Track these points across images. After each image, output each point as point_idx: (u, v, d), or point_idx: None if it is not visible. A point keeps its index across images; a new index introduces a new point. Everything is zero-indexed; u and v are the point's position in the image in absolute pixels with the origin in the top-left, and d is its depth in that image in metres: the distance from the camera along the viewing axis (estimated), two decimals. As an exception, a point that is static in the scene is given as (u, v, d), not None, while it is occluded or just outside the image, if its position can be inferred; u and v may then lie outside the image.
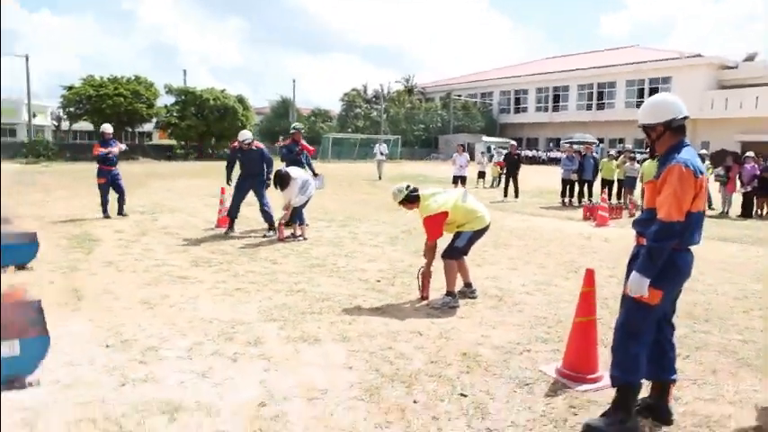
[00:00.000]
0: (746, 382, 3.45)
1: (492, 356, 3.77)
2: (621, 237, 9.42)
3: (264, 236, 8.28)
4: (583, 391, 3.24)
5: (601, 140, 49.31)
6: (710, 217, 12.96)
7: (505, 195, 15.60)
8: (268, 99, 62.13)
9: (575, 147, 15.28)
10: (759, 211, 12.94)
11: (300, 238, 8.05)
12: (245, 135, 8.59)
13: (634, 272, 2.73)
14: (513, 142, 17.37)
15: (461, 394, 3.17)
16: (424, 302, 5.04)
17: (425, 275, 5.12)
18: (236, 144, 8.64)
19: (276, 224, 8.20)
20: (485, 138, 53.19)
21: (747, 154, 13.37)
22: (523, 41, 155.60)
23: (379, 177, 22.02)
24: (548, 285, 5.84)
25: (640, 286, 2.68)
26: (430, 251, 5.01)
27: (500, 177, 20.74)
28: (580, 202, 14.30)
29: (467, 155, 17.22)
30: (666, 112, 2.84)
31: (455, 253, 4.96)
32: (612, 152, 16.60)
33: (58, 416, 2.81)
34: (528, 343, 4.05)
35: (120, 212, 9.90)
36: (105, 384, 3.17)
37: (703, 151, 15.36)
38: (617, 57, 50.48)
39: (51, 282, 5.47)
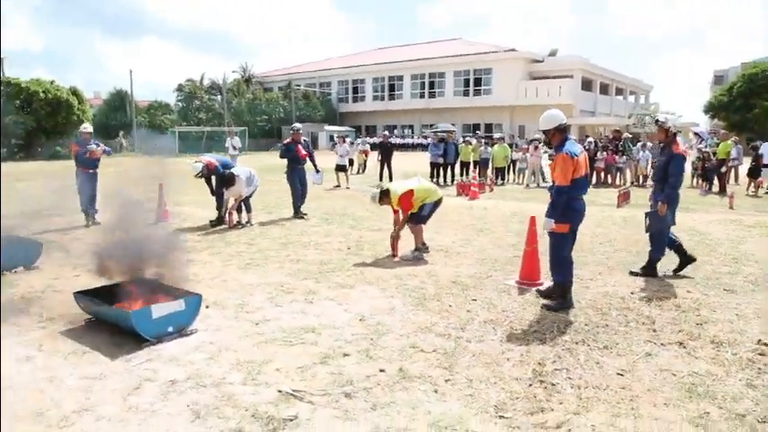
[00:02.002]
0: (616, 277, 5.86)
1: (471, 281, 5.73)
2: (494, 205, 12.03)
3: (211, 224, 9.33)
4: (536, 290, 5.32)
5: (433, 126, 54.21)
6: (545, 188, 16.37)
7: (381, 179, 17.72)
8: (94, 90, 57.93)
9: (439, 134, 17.94)
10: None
11: (248, 224, 9.31)
12: (197, 168, 9.20)
13: (546, 216, 4.83)
14: (386, 132, 19.57)
15: (473, 299, 5.09)
16: (396, 258, 6.83)
17: (395, 239, 6.92)
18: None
19: (225, 215, 9.32)
20: (327, 127, 55.37)
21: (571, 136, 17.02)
22: (351, 30, 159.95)
23: None
24: (469, 241, 7.98)
25: (548, 224, 4.79)
26: (404, 221, 6.80)
27: (365, 164, 22.98)
28: (445, 181, 16.94)
29: (346, 145, 19.09)
30: (556, 121, 4.98)
31: (422, 220, 6.84)
32: (468, 138, 19.52)
33: (238, 342, 4.17)
34: (487, 272, 6.10)
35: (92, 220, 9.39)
36: (243, 326, 4.51)
37: (537, 136, 18.85)
38: (444, 49, 55.48)
39: (78, 275, 6.27)
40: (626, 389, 3.31)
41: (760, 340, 4.02)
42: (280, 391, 3.31)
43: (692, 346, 3.96)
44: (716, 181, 14.59)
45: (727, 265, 6.42)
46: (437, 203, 6.93)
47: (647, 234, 6.00)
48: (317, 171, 10.65)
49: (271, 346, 4.07)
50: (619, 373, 3.52)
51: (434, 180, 16.91)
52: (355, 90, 61.38)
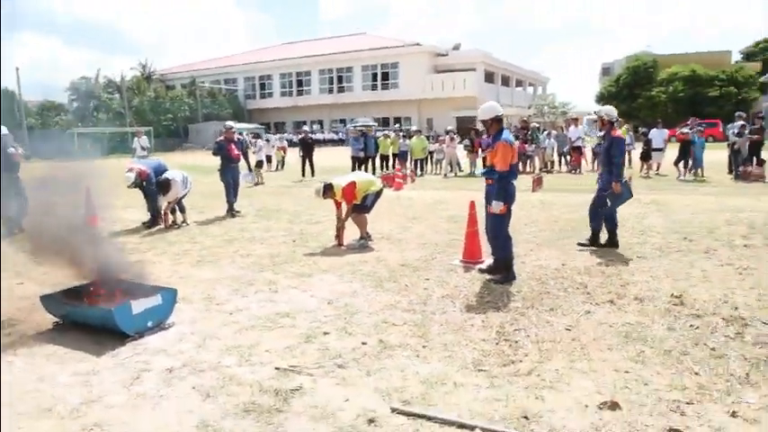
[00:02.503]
0: (546, 252, 6.56)
1: (419, 264, 6.21)
2: (418, 195, 12.64)
3: (145, 226, 9.21)
4: (479, 268, 5.87)
5: (343, 121, 54.62)
6: (462, 177, 17.28)
7: (303, 175, 17.93)
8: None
9: (358, 128, 18.36)
10: (493, 168, 17.74)
11: (184, 224, 9.28)
12: (130, 178, 8.94)
13: (494, 200, 5.38)
14: (306, 128, 19.74)
15: (426, 279, 5.56)
16: (342, 247, 7.18)
17: (341, 229, 7.27)
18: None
19: (162, 214, 9.21)
20: (236, 124, 54.22)
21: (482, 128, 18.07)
22: (247, 24, 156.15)
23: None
24: (406, 228, 8.47)
25: (498, 206, 5.36)
26: (348, 212, 7.16)
27: (283, 160, 23.00)
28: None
29: (261, 142, 19.14)
30: (493, 112, 5.56)
31: (365, 210, 7.22)
32: (386, 131, 20.13)
33: (219, 331, 4.38)
34: (431, 255, 6.60)
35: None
36: (218, 317, 4.69)
37: (450, 128, 19.79)
38: (350, 43, 55.91)
39: (21, 282, 6.10)
40: (576, 340, 3.90)
41: (672, 294, 4.78)
42: (277, 368, 3.60)
43: (620, 303, 4.65)
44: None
45: (636, 237, 7.34)
46: (378, 194, 7.35)
47: (590, 209, 6.78)
48: (250, 170, 10.74)
49: (252, 331, 4.32)
50: (567, 329, 4.11)
51: (357, 173, 17.34)
52: (262, 86, 60.51)
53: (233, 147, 10.19)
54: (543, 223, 8.54)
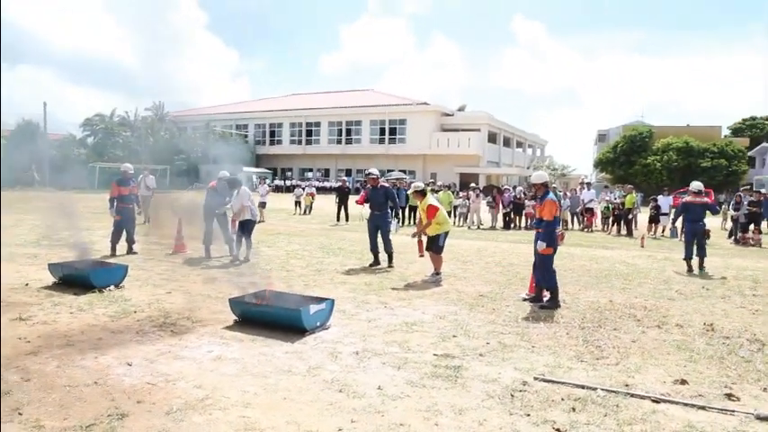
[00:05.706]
0: (591, 292, 8.08)
1: (494, 295, 7.70)
2: (457, 243, 14.14)
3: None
4: (522, 297, 7.36)
5: (348, 172, 56.67)
6: (484, 229, 18.92)
7: (338, 220, 19.51)
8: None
9: (391, 180, 20.11)
10: (513, 225, 19.41)
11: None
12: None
13: (539, 241, 7.00)
14: (344, 177, 21.39)
15: (506, 305, 7.04)
16: (421, 257, 8.71)
17: (420, 241, 8.87)
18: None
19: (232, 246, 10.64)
20: (245, 168, 56.20)
21: (505, 186, 19.89)
22: (246, 73, 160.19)
23: (146, 220, 15.39)
24: (464, 269, 9.98)
25: (540, 246, 6.96)
26: (426, 225, 8.71)
27: (311, 206, 24.59)
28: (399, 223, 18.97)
29: (266, 186, 20.96)
30: (543, 179, 7.30)
31: (439, 249, 8.77)
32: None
33: (370, 332, 5.81)
34: (499, 290, 8.09)
35: (131, 251, 10.59)
36: (360, 324, 6.11)
37: (474, 184, 21.55)
38: (358, 98, 58.68)
39: (170, 292, 7.49)
40: (641, 348, 5.39)
41: (705, 323, 6.30)
42: (435, 354, 5.04)
43: (666, 328, 6.16)
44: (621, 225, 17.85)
45: (661, 284, 8.88)
46: (447, 233, 8.94)
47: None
48: (396, 217, 11.03)
49: (396, 333, 5.76)
50: (632, 341, 5.60)
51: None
52: (272, 133, 62.82)
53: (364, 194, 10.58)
54: (579, 271, 10.09)
